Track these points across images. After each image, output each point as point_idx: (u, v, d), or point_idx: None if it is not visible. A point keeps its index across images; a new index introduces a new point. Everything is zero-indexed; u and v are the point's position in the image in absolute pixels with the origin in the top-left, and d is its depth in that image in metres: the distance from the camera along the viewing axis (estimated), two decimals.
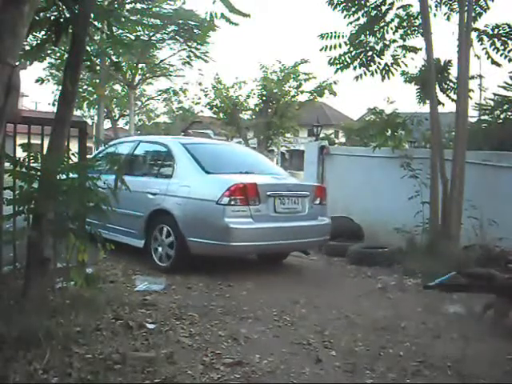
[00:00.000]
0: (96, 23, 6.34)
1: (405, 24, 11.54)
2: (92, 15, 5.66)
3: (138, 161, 9.46)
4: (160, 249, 8.09)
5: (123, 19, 7.16)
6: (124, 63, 23.21)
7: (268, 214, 7.92)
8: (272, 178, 8.69)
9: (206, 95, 28.74)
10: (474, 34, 10.98)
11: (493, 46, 11.24)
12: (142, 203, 8.36)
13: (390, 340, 5.45)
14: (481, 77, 15.71)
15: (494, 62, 11.40)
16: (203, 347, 4.92)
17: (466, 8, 10.14)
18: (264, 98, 27.79)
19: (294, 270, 8.80)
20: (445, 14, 11.45)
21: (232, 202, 7.57)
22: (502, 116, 17.42)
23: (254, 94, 28.13)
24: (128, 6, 7.40)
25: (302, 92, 27.79)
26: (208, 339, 5.16)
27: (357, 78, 11.69)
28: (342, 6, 11.41)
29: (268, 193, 7.93)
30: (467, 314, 6.52)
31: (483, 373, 4.67)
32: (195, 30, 23.46)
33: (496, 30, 11.15)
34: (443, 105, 11.42)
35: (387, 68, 11.71)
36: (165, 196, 8.16)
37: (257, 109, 28.69)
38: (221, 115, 28.95)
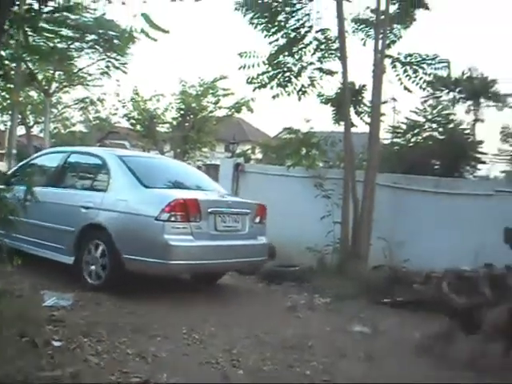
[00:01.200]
0: (11, 30, 6.17)
1: (323, 47, 11.81)
2: (7, 22, 5.52)
3: (69, 172, 9.01)
4: (92, 266, 7.69)
5: (40, 28, 6.98)
6: (40, 70, 22.64)
7: (208, 231, 7.68)
8: (212, 195, 8.49)
9: (123, 106, 28.42)
10: (388, 61, 11.39)
11: (405, 73, 11.66)
12: (72, 217, 7.97)
13: (297, 359, 5.51)
14: (395, 100, 16.24)
15: (405, 88, 11.84)
16: (110, 366, 4.83)
17: (381, 35, 10.50)
18: (182, 112, 27.69)
19: (205, 288, 8.73)
20: (361, 40, 11.83)
21: (172, 218, 7.30)
22: (412, 140, 18.08)
23: (172, 107, 27.99)
24: (46, 15, 7.23)
25: (219, 107, 27.85)
26: (115, 357, 5.07)
27: (274, 97, 11.90)
28: (262, 26, 11.59)
29: (209, 210, 7.71)
30: (373, 333, 6.69)
31: None
32: (115, 41, 23.16)
33: (408, 58, 11.61)
34: (356, 127, 11.75)
35: (303, 89, 11.95)
36: (99, 210, 7.79)
37: (174, 122, 28.56)
38: (138, 127, 28.66)
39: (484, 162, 23.01)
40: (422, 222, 10.30)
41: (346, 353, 5.85)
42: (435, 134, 17.94)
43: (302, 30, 11.72)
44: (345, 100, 10.73)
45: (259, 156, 30.79)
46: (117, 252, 7.48)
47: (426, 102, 19.27)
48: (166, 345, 5.64)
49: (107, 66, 26.06)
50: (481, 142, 20.79)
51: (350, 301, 8.15)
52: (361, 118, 11.76)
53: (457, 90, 35.61)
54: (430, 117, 18.09)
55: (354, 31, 11.81)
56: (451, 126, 18.39)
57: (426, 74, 11.69)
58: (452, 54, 56.64)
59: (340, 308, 7.85)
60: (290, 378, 4.99)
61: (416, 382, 5.16)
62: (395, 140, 18.74)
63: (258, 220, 8.55)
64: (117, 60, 25.27)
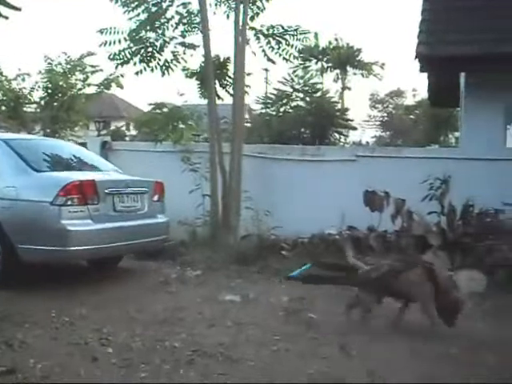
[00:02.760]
0: None
1: (185, 21, 11.75)
2: None
3: None
4: None
5: None
6: None
7: (107, 213, 7.45)
8: (107, 175, 8.23)
9: None
10: (251, 33, 11.53)
11: (269, 45, 11.87)
12: None
13: (167, 333, 5.56)
14: (267, 70, 16.54)
15: (269, 60, 12.10)
16: None
17: (242, 7, 10.61)
18: (49, 91, 26.86)
19: (74, 268, 8.59)
20: (224, 13, 11.87)
21: (69, 202, 6.97)
22: (281, 109, 18.52)
23: (39, 86, 27.06)
24: None
25: (88, 85, 27.21)
26: None
27: (137, 73, 11.75)
28: (121, 1, 11.39)
29: (106, 190, 7.45)
30: (243, 300, 6.88)
31: (252, 355, 4.98)
32: None
33: (271, 30, 11.81)
34: (222, 99, 11.81)
35: (167, 64, 11.87)
36: None
37: (42, 102, 27.67)
38: (3, 108, 27.51)
39: (355, 128, 24.02)
40: (291, 189, 10.64)
41: (215, 322, 5.98)
42: (303, 103, 18.48)
43: (164, 4, 11.60)
44: (208, 73, 10.77)
45: (134, 133, 30.51)
46: (10, 243, 7.10)
47: (294, 72, 19.68)
48: (35, 330, 5.54)
49: None
50: (347, 110, 21.64)
51: (221, 272, 8.32)
52: (226, 91, 11.86)
53: (324, 59, 36.56)
54: (297, 86, 18.57)
55: (216, 4, 11.83)
56: (318, 94, 18.97)
57: (289, 45, 11.94)
58: (319, 24, 58.30)
59: (211, 279, 7.96)
60: (158, 353, 5.03)
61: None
62: (265, 110, 19.15)
63: (156, 198, 8.43)
64: None
